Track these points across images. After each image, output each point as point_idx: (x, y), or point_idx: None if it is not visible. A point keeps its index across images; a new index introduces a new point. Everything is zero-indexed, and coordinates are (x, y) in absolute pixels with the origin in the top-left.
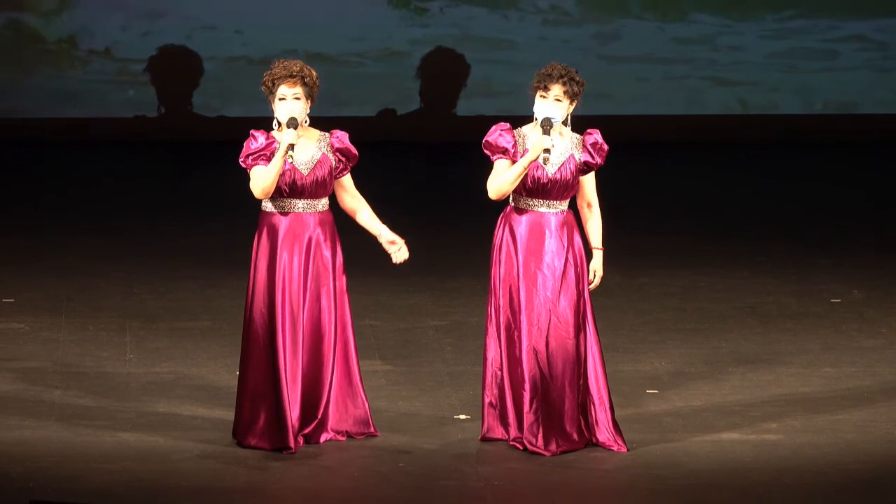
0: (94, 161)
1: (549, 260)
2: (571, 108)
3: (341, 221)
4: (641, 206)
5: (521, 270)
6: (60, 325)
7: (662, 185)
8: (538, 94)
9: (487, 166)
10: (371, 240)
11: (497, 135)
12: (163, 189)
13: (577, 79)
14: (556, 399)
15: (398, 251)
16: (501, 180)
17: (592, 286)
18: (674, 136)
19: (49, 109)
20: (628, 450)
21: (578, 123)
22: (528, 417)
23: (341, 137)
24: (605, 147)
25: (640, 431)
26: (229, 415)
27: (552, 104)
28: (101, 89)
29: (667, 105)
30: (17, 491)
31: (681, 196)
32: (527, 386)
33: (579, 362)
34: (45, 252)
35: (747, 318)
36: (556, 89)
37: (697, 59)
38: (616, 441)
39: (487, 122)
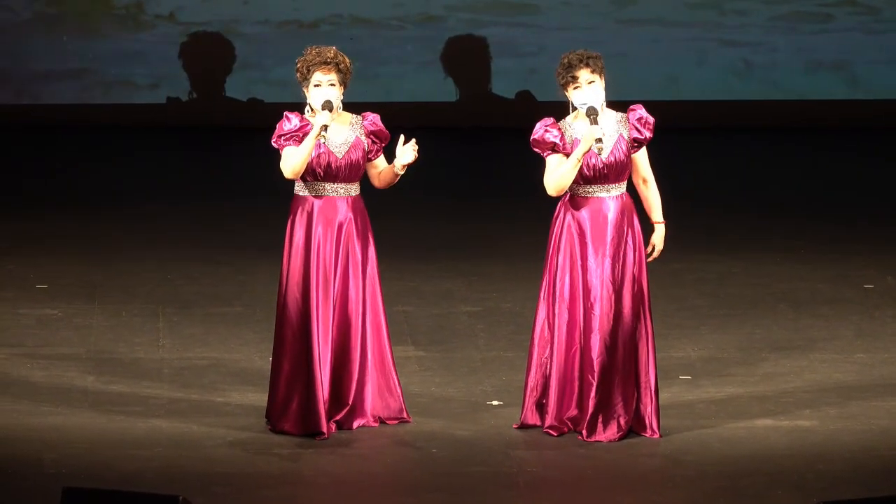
0: (127, 145)
1: (612, 247)
2: (603, 83)
3: (373, 208)
4: (672, 190)
5: (583, 260)
6: (94, 311)
7: (694, 168)
8: (570, 88)
9: (524, 149)
10: (403, 225)
11: (543, 131)
12: (196, 174)
13: (594, 54)
14: (620, 385)
15: (412, 149)
16: (558, 175)
17: (650, 259)
18: (705, 121)
19: (117, 73)
20: (661, 436)
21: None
22: (591, 404)
23: (374, 120)
24: (651, 119)
25: (674, 417)
26: (262, 401)
27: (587, 89)
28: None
29: (676, 65)
30: (50, 477)
31: (712, 180)
32: (596, 374)
33: (637, 348)
34: (78, 238)
35: (780, 304)
36: (584, 74)
37: (707, 21)
38: (651, 427)
39: (524, 101)
